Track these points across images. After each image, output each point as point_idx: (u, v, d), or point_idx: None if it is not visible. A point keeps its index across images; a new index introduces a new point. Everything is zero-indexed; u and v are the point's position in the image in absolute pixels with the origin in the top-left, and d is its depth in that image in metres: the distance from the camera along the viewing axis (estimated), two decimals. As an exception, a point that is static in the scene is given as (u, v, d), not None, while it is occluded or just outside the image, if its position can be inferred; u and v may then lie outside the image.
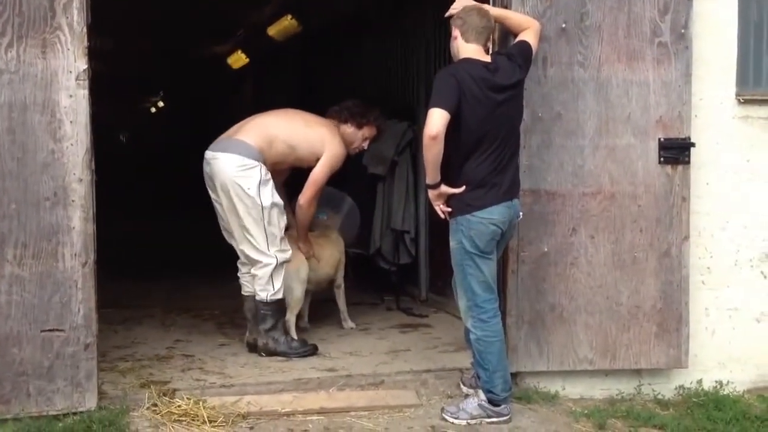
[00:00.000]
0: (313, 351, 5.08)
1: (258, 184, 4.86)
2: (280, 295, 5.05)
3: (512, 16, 4.32)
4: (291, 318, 5.21)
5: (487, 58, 4.12)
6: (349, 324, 5.76)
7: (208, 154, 5.00)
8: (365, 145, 5.38)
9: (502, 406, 4.19)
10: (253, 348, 5.13)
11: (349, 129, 5.26)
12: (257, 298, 5.04)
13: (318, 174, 5.08)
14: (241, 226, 4.95)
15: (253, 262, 5.01)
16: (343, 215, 5.93)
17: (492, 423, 4.16)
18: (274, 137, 5.01)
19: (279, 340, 5.05)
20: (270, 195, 4.91)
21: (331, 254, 5.61)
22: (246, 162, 4.86)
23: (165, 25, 11.30)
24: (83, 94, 3.97)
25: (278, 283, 5.01)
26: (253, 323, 5.14)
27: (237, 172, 4.86)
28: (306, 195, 5.10)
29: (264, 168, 4.91)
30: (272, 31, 10.82)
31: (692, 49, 4.55)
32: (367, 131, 5.31)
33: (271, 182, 4.94)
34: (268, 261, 4.95)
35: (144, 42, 12.75)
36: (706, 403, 4.52)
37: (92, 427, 3.87)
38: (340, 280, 5.73)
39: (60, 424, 3.89)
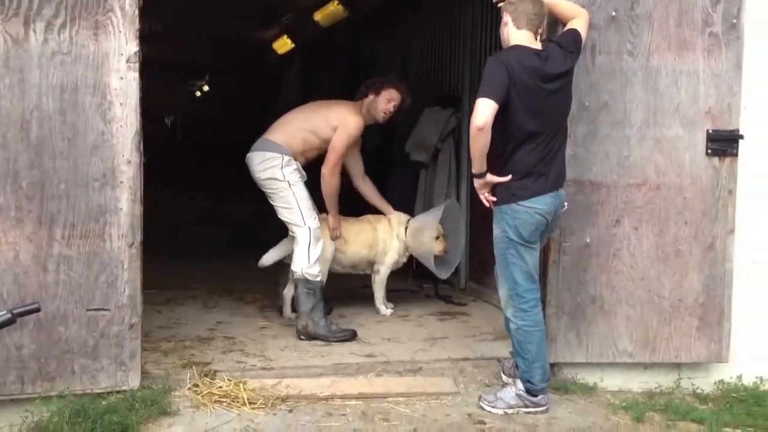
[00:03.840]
0: (352, 336, 5.14)
1: (280, 168, 5.20)
2: (315, 271, 5.16)
3: (561, 4, 4.26)
4: None
5: (538, 45, 4.08)
6: (382, 311, 5.78)
7: (247, 155, 5.37)
8: (391, 107, 5.51)
9: (540, 397, 4.18)
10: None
11: (370, 99, 5.49)
12: (295, 276, 5.23)
13: (336, 142, 5.32)
14: (281, 214, 5.26)
15: (295, 241, 5.23)
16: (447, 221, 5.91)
17: (529, 413, 4.15)
18: (296, 127, 5.36)
19: (319, 323, 5.11)
20: (293, 173, 5.22)
21: (364, 236, 5.65)
22: (267, 156, 5.23)
23: (211, 9, 11.37)
24: (134, 76, 4.02)
25: (314, 256, 5.17)
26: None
27: (260, 168, 5.25)
28: (328, 164, 5.33)
29: (286, 157, 5.21)
30: (318, 16, 10.83)
31: (744, 39, 4.47)
32: (386, 94, 5.49)
33: (294, 165, 5.24)
34: (304, 233, 5.16)
35: (190, 25, 12.85)
36: (745, 398, 4.47)
37: (135, 406, 3.93)
38: (379, 265, 5.75)
39: (103, 403, 3.95)
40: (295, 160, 5.28)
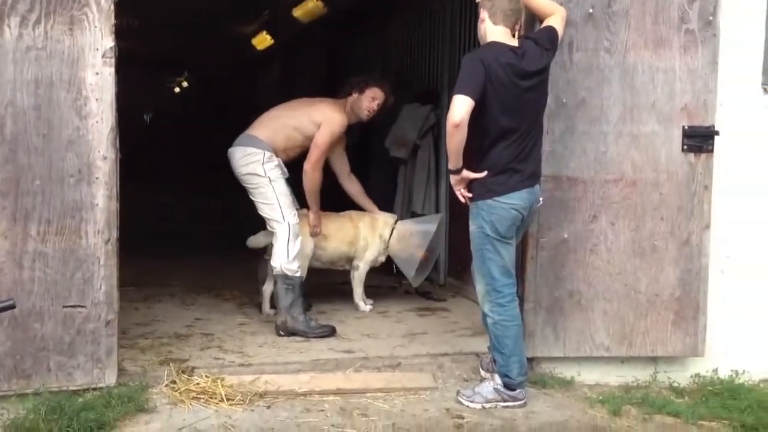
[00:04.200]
0: (331, 332, 5.14)
1: (261, 163, 5.21)
2: (294, 266, 5.17)
3: (539, 1, 4.28)
4: None
5: (515, 42, 4.09)
6: (361, 307, 5.78)
7: (229, 150, 5.38)
8: (374, 105, 5.54)
9: (518, 391, 4.20)
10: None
11: (353, 97, 5.52)
12: (275, 272, 5.23)
13: (319, 138, 5.34)
14: (261, 210, 5.28)
15: (275, 237, 5.24)
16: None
17: (507, 407, 4.18)
18: (279, 124, 5.38)
19: (298, 318, 5.12)
20: (274, 169, 5.24)
21: (344, 233, 5.65)
22: (249, 151, 5.24)
23: (190, 4, 11.31)
24: (109, 71, 3.99)
25: (293, 252, 5.17)
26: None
27: (241, 163, 5.26)
28: (311, 159, 5.35)
29: (268, 153, 5.22)
30: (297, 12, 10.81)
31: (719, 36, 4.51)
32: (370, 93, 5.53)
33: (275, 161, 5.25)
34: (283, 229, 5.16)
35: (168, 21, 12.77)
36: (721, 391, 4.51)
37: (111, 403, 3.91)
38: (358, 261, 5.75)
39: (80, 400, 3.93)
40: (277, 156, 5.29)
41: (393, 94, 5.66)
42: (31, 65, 3.90)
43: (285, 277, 5.17)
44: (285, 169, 5.33)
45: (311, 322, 5.15)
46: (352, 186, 5.86)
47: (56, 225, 3.96)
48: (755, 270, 4.77)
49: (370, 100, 5.51)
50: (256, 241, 5.52)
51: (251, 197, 5.31)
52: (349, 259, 5.76)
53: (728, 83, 4.60)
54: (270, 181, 5.20)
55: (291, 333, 5.09)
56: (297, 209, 5.36)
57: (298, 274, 5.21)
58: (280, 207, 5.19)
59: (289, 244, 5.17)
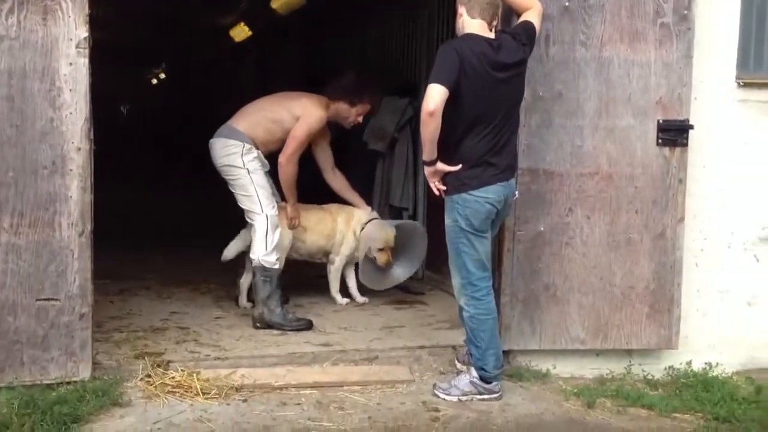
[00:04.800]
0: (308, 325, 5.13)
1: (240, 155, 5.19)
2: (273, 258, 5.16)
3: None
4: None
5: (492, 35, 4.10)
6: (338, 300, 5.77)
7: (209, 141, 5.36)
8: (359, 119, 5.56)
9: (493, 384, 4.22)
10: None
11: (342, 106, 5.47)
12: (253, 264, 5.22)
13: (296, 130, 5.30)
14: (241, 202, 5.26)
15: (252, 229, 5.22)
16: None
17: (483, 400, 4.19)
18: (260, 116, 5.36)
19: (275, 311, 5.11)
20: (253, 161, 5.22)
21: (323, 226, 5.64)
22: (229, 143, 5.23)
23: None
24: (83, 62, 3.96)
25: (271, 244, 5.15)
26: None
27: (222, 154, 5.25)
28: (286, 152, 5.31)
29: (247, 145, 5.21)
30: (275, 4, 10.76)
31: (694, 30, 4.54)
32: (360, 108, 5.52)
33: (255, 153, 5.23)
34: (261, 220, 5.15)
35: (146, 12, 12.68)
36: (694, 384, 4.54)
37: (86, 397, 3.88)
38: (334, 255, 5.74)
39: (53, 394, 3.91)
40: (257, 148, 5.26)
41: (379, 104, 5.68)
42: (4, 55, 3.86)
43: (263, 269, 5.15)
44: (265, 162, 5.30)
45: (288, 315, 5.15)
46: (336, 181, 5.81)
47: (29, 217, 3.92)
48: (729, 263, 4.81)
49: (356, 115, 5.51)
50: (229, 252, 5.48)
51: (231, 189, 5.29)
52: (327, 253, 5.75)
53: (703, 77, 4.64)
54: (249, 172, 5.18)
55: (268, 326, 5.08)
56: (278, 202, 5.33)
57: (276, 267, 5.19)
58: (259, 198, 5.17)
59: (267, 235, 5.15)
